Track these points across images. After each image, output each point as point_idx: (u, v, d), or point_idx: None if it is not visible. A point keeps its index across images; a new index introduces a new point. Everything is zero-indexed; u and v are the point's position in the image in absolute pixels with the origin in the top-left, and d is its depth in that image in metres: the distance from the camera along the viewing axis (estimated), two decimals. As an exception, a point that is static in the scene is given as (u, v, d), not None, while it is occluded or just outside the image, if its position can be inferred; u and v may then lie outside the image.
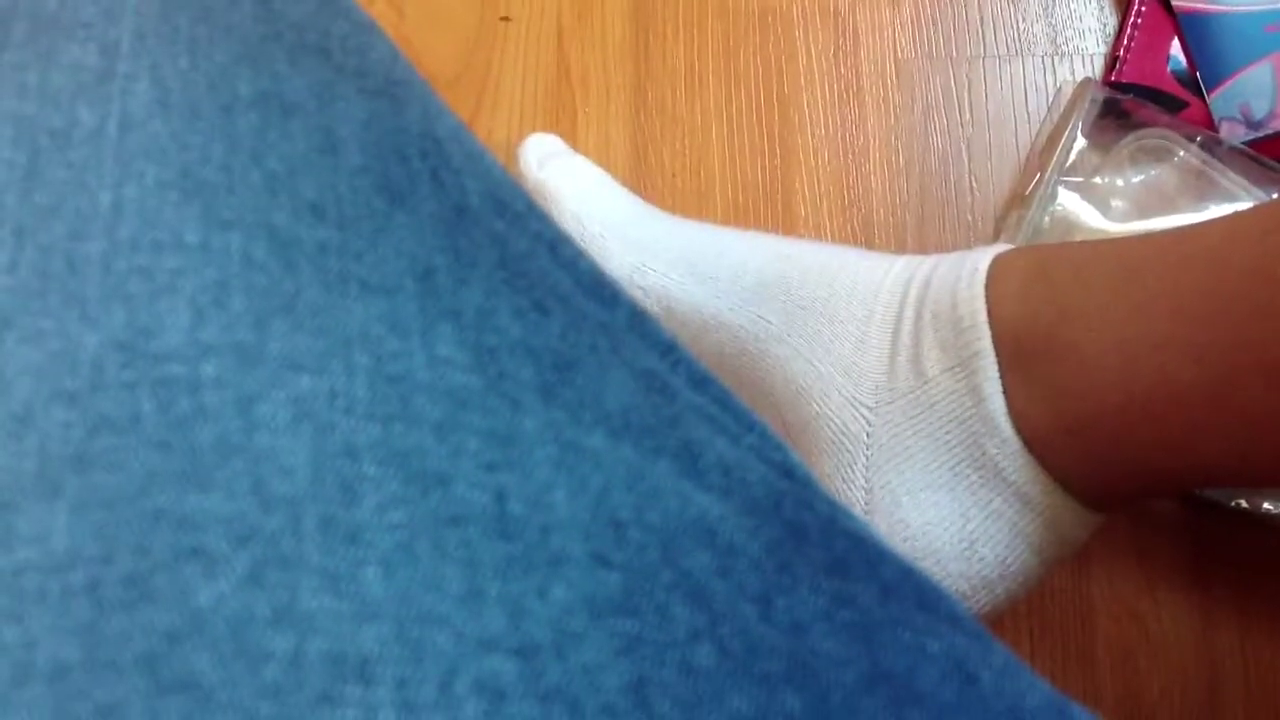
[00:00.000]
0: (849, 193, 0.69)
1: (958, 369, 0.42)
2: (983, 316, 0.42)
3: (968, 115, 0.70)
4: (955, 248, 0.51)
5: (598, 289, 0.30)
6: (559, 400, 0.26)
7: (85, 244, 0.25)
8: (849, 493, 0.44)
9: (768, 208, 0.69)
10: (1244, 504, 0.57)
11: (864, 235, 0.68)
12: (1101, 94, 0.64)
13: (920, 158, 0.69)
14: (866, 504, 0.44)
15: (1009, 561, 0.42)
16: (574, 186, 0.59)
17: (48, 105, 0.27)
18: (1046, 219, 0.60)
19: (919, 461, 0.43)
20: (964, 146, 0.70)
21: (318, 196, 0.27)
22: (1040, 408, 0.41)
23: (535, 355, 0.26)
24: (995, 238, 0.65)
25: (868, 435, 0.44)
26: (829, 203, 0.69)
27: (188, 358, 0.24)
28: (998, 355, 0.42)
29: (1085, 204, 0.60)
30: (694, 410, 0.27)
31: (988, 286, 0.43)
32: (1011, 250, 0.45)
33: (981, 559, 0.42)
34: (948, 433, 0.43)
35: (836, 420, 0.44)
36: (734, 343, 0.48)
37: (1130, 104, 0.63)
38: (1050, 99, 0.69)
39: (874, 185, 0.69)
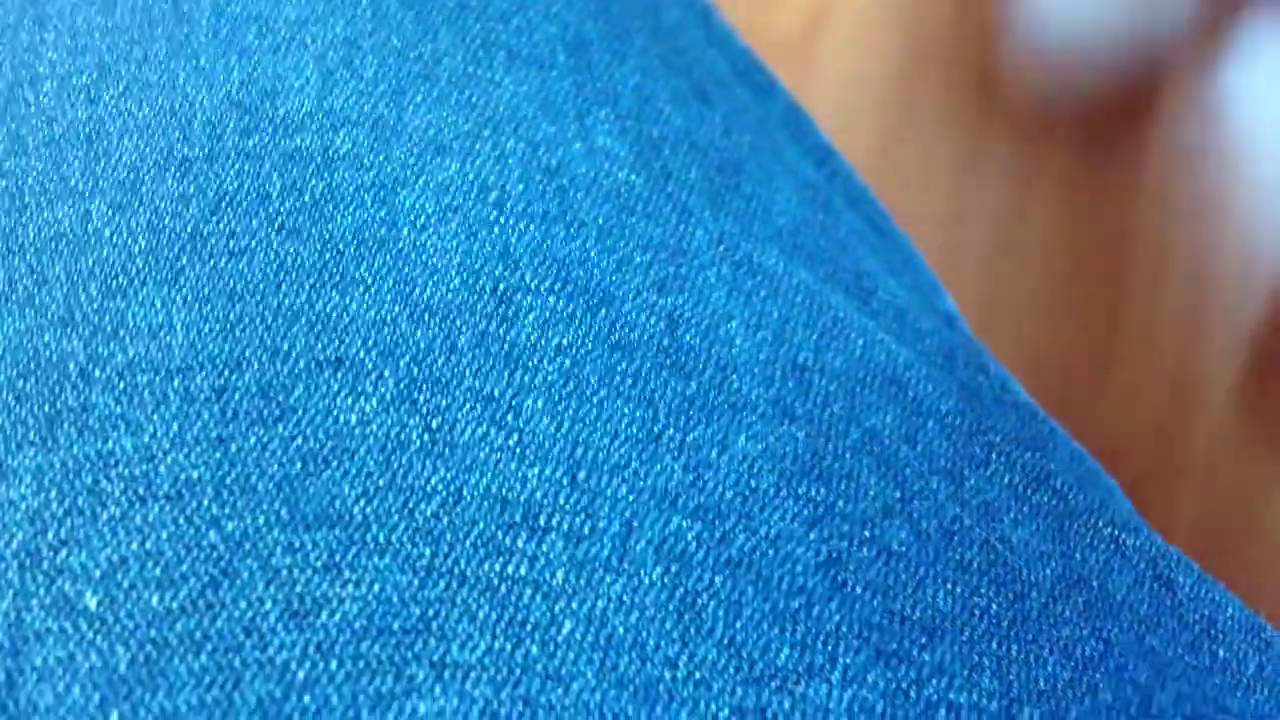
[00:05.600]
0: None
1: None
2: None
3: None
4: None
5: (753, 74, 0.26)
6: (729, 208, 0.23)
7: None
8: None
9: None
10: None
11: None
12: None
13: None
14: None
15: None
16: None
17: None
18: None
19: None
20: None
21: None
22: None
23: (701, 152, 0.23)
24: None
25: None
26: None
27: (318, 129, 0.20)
28: None
29: None
30: (856, 234, 0.24)
31: None
32: None
33: None
34: None
35: None
36: None
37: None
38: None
39: None
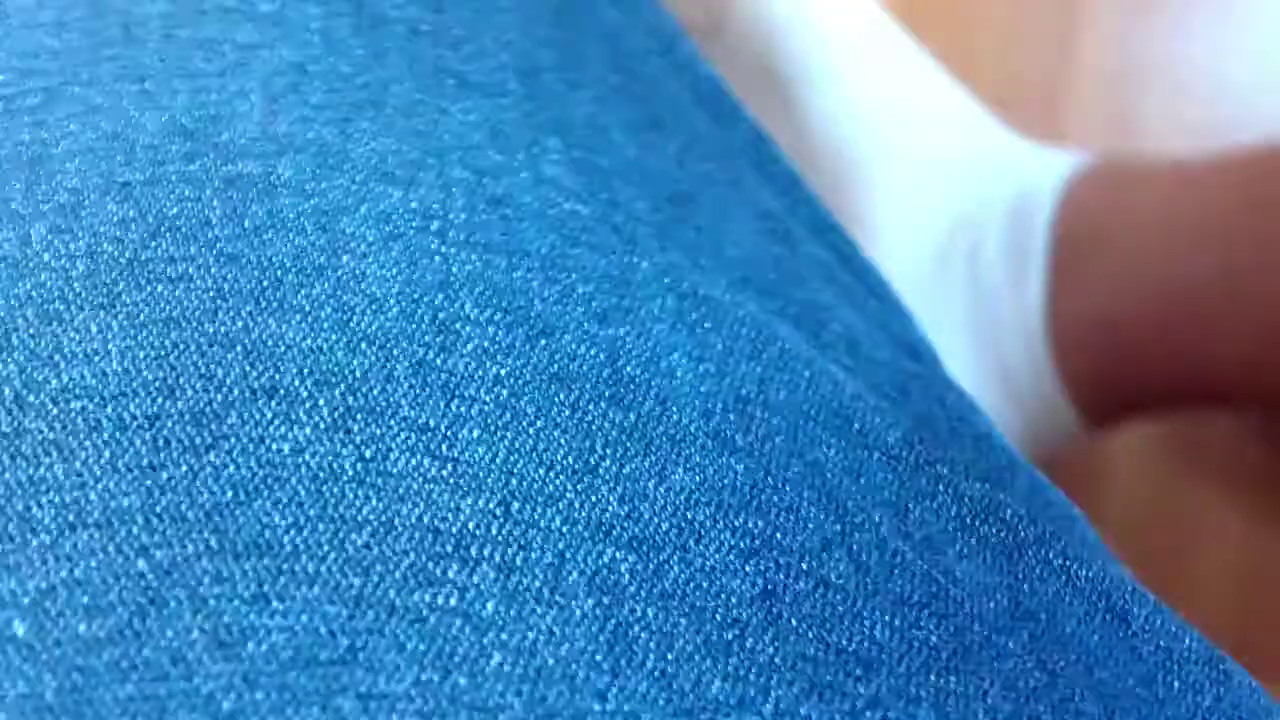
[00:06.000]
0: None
1: (1008, 259, 0.42)
2: (1047, 213, 0.42)
3: None
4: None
5: (716, 101, 0.26)
6: (677, 240, 0.23)
7: (144, 5, 0.21)
8: None
9: None
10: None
11: None
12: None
13: None
14: None
15: None
16: None
17: None
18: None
19: (944, 336, 0.42)
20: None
21: None
22: (1071, 303, 0.41)
23: (651, 183, 0.23)
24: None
25: (911, 294, 0.42)
26: None
27: (261, 154, 0.20)
28: (1051, 254, 0.42)
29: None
30: (815, 265, 0.24)
31: (1067, 190, 0.43)
32: (1098, 158, 0.44)
33: None
34: (980, 315, 0.42)
35: (890, 266, 0.42)
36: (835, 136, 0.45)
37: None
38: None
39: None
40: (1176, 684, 0.20)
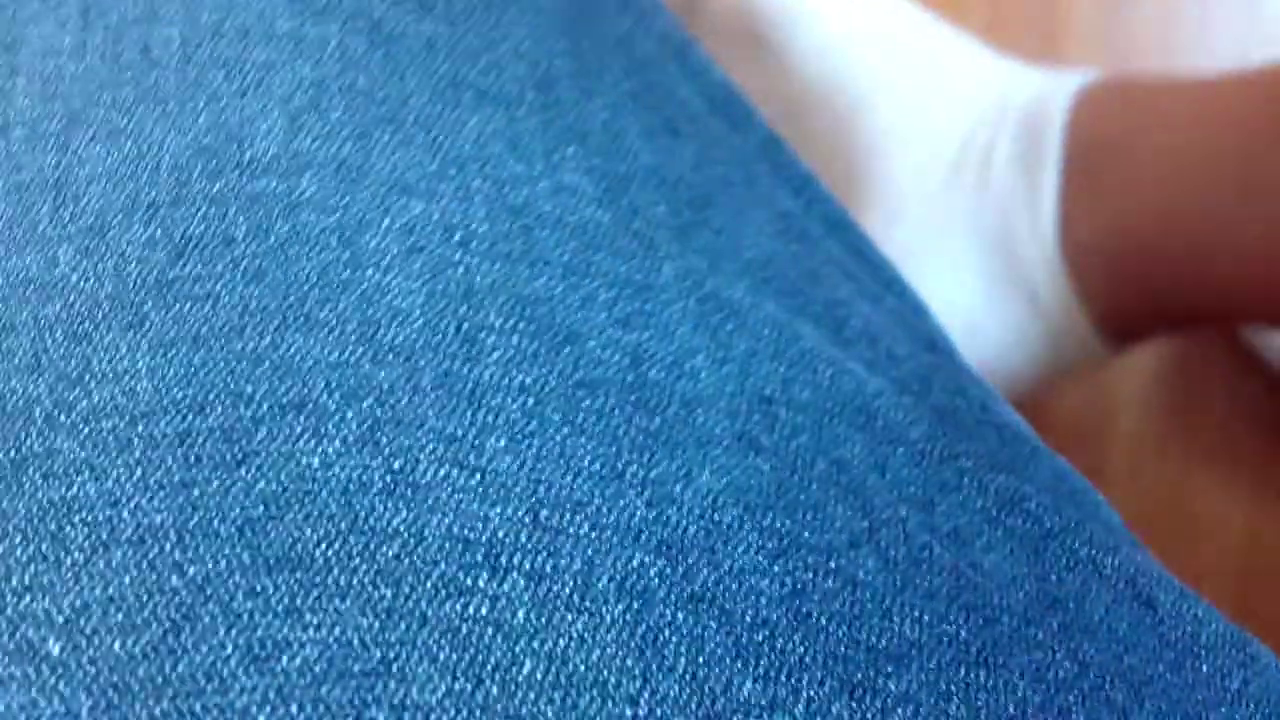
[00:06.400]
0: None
1: (1020, 166, 0.42)
2: (1060, 122, 0.41)
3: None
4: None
5: (729, 106, 0.26)
6: (696, 243, 0.23)
7: (161, 28, 0.22)
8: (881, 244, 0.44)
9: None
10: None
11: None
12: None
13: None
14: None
15: (1008, 356, 0.42)
16: None
17: None
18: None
19: (957, 241, 0.42)
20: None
21: None
22: (1085, 210, 0.40)
23: (669, 188, 0.23)
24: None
25: (921, 204, 0.42)
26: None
27: (283, 171, 0.21)
28: (1064, 162, 0.41)
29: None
30: (832, 262, 0.24)
31: (1078, 101, 0.42)
32: (1109, 75, 0.43)
33: (981, 346, 0.42)
34: (992, 220, 0.41)
35: (900, 180, 0.42)
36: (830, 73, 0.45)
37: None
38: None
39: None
40: (1205, 668, 0.20)
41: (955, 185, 0.42)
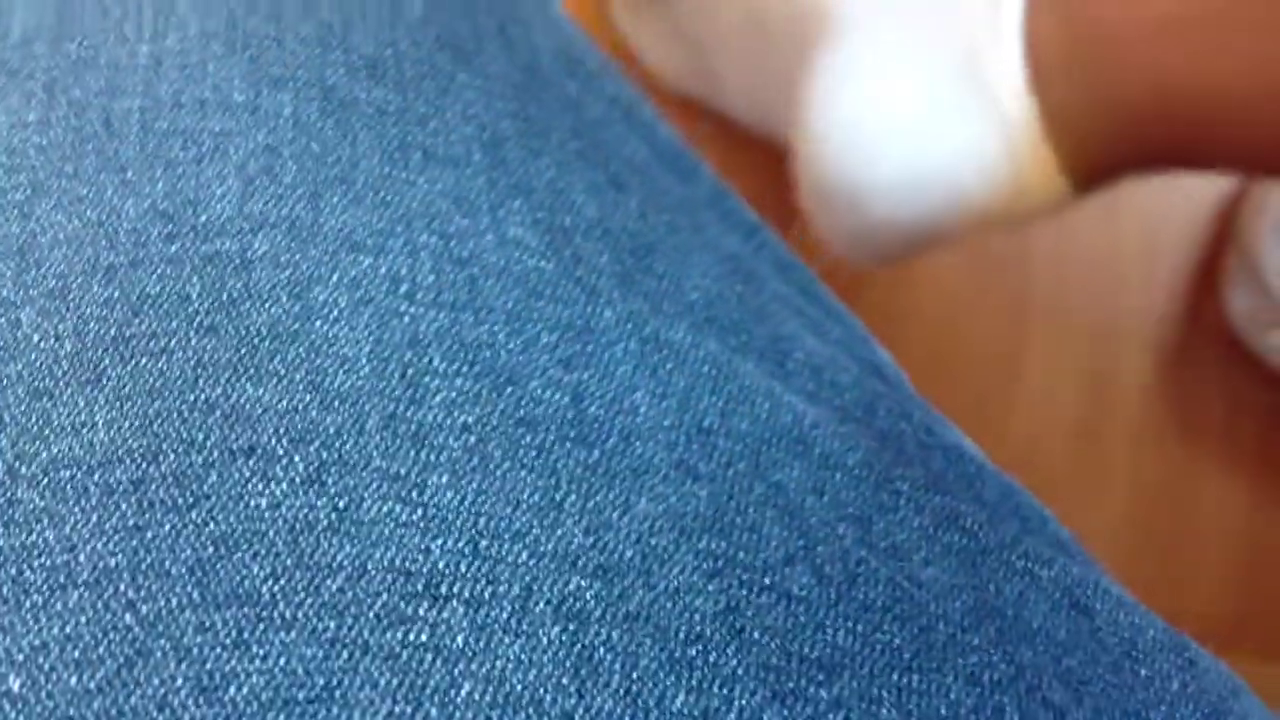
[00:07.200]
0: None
1: None
2: None
3: None
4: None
5: (677, 159, 0.27)
6: (639, 288, 0.24)
7: (122, 101, 0.23)
8: (819, 60, 0.41)
9: None
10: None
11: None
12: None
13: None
14: (831, 70, 0.40)
15: (961, 168, 0.39)
16: None
17: None
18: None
19: (921, 51, 0.39)
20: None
21: (375, 52, 0.25)
22: (1052, 19, 0.38)
23: (612, 238, 0.24)
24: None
25: (885, 21, 0.40)
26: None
27: (237, 232, 0.22)
28: None
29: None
30: (779, 300, 0.25)
31: None
32: None
33: (936, 152, 0.39)
34: (957, 33, 0.39)
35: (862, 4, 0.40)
36: None
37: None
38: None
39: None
40: (1144, 671, 0.20)
41: (922, 20, 0.40)
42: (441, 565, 0.19)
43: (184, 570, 0.19)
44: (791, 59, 0.41)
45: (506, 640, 0.19)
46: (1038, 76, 0.38)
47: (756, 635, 0.19)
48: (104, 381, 0.20)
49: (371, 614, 0.19)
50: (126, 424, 0.20)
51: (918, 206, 0.39)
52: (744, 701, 0.18)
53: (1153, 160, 0.39)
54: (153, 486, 0.19)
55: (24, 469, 0.19)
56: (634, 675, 0.18)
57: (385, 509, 0.20)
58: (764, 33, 0.42)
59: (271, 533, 0.19)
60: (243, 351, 0.21)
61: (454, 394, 0.21)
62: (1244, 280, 0.54)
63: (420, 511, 0.20)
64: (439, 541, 0.19)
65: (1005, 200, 0.40)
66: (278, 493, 0.19)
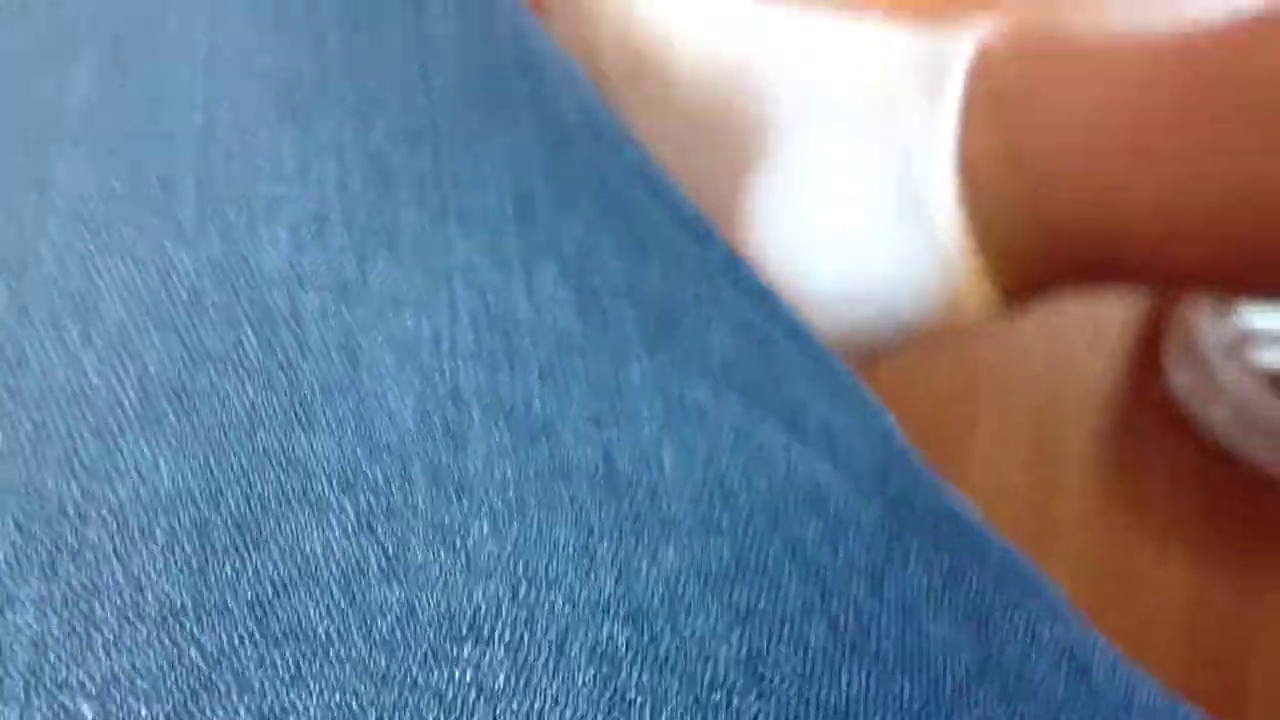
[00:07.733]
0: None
1: (922, 103, 0.40)
2: (962, 64, 0.40)
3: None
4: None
5: (693, 225, 0.29)
6: (663, 350, 0.25)
7: (179, 165, 0.24)
8: (762, 159, 0.42)
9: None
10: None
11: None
12: None
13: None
14: (768, 182, 0.41)
15: (896, 283, 0.40)
16: None
17: (136, 16, 0.26)
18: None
19: (856, 177, 0.40)
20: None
21: (414, 119, 0.26)
22: (986, 141, 0.39)
23: (638, 299, 0.26)
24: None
25: (821, 149, 0.41)
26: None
27: (290, 290, 0.23)
28: (965, 97, 0.40)
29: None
30: (793, 366, 0.27)
31: (979, 47, 0.41)
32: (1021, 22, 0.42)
33: (870, 271, 0.40)
34: (892, 154, 0.40)
35: (799, 135, 0.41)
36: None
37: None
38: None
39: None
40: None
41: (858, 135, 0.40)
42: (484, 609, 0.21)
43: (244, 609, 0.20)
44: (734, 167, 0.43)
45: (544, 681, 0.20)
46: (971, 193, 0.39)
47: (776, 681, 0.21)
48: (166, 428, 0.21)
49: (420, 653, 0.20)
50: (189, 469, 0.21)
51: (855, 319, 0.40)
52: None
53: (1085, 278, 0.40)
54: (214, 529, 0.21)
55: (93, 511, 0.21)
56: (663, 716, 0.20)
57: (431, 555, 0.21)
58: (705, 143, 0.44)
59: (325, 575, 0.20)
60: (296, 404, 0.22)
61: (493, 446, 0.22)
62: (1185, 357, 0.57)
63: (464, 558, 0.21)
64: (481, 587, 0.21)
65: (940, 313, 0.41)
66: (331, 538, 0.21)
